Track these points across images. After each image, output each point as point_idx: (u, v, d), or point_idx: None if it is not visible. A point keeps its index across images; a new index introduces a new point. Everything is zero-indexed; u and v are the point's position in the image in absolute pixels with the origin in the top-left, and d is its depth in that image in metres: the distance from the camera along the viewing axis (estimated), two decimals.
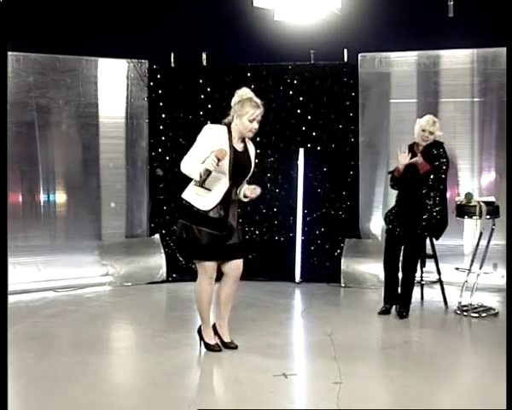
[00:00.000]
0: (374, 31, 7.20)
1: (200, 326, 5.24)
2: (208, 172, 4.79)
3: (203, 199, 4.93)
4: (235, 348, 5.23)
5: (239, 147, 5.03)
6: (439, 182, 6.14)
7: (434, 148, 6.16)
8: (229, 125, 5.02)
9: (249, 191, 5.04)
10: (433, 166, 6.06)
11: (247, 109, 4.94)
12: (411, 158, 6.07)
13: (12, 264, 6.75)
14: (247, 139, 5.09)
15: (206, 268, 5.06)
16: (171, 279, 7.76)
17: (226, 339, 5.25)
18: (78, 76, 7.66)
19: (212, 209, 4.94)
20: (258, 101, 5.01)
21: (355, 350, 5.28)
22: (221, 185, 4.95)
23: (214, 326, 5.29)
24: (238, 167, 4.97)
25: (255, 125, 4.98)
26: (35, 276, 7.26)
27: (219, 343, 5.21)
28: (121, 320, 6.45)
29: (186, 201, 5.02)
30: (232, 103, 5.04)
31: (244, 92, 5.04)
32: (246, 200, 5.12)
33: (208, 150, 4.86)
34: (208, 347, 5.18)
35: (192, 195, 4.99)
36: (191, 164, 4.90)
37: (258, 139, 5.29)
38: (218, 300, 5.23)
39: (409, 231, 6.14)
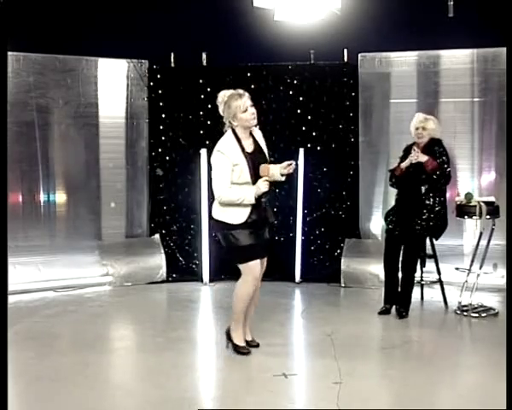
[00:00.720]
0: (374, 31, 7.18)
1: (228, 327, 5.19)
2: (266, 193, 4.91)
3: (235, 214, 4.91)
4: (257, 346, 5.22)
5: (249, 147, 4.99)
6: (446, 178, 6.12)
7: (434, 145, 6.16)
8: (232, 130, 4.98)
9: (286, 170, 5.01)
10: (439, 162, 6.06)
11: (234, 105, 4.91)
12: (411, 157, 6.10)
13: (12, 264, 6.75)
14: (252, 130, 5.05)
15: (252, 268, 4.99)
16: (171, 279, 7.75)
17: (248, 338, 5.24)
18: (78, 76, 7.65)
19: (246, 219, 4.94)
20: (239, 91, 4.97)
21: (355, 350, 5.28)
22: None
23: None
24: (257, 168, 4.92)
25: (251, 111, 4.94)
26: (35, 276, 7.26)
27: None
28: (121, 320, 6.45)
29: (219, 220, 4.99)
30: (220, 112, 5.01)
31: (222, 96, 5.00)
32: (282, 178, 5.08)
33: (231, 166, 4.85)
34: (238, 349, 5.10)
35: (223, 213, 4.96)
36: (231, 191, 4.88)
37: None
38: None
39: (408, 230, 6.14)
